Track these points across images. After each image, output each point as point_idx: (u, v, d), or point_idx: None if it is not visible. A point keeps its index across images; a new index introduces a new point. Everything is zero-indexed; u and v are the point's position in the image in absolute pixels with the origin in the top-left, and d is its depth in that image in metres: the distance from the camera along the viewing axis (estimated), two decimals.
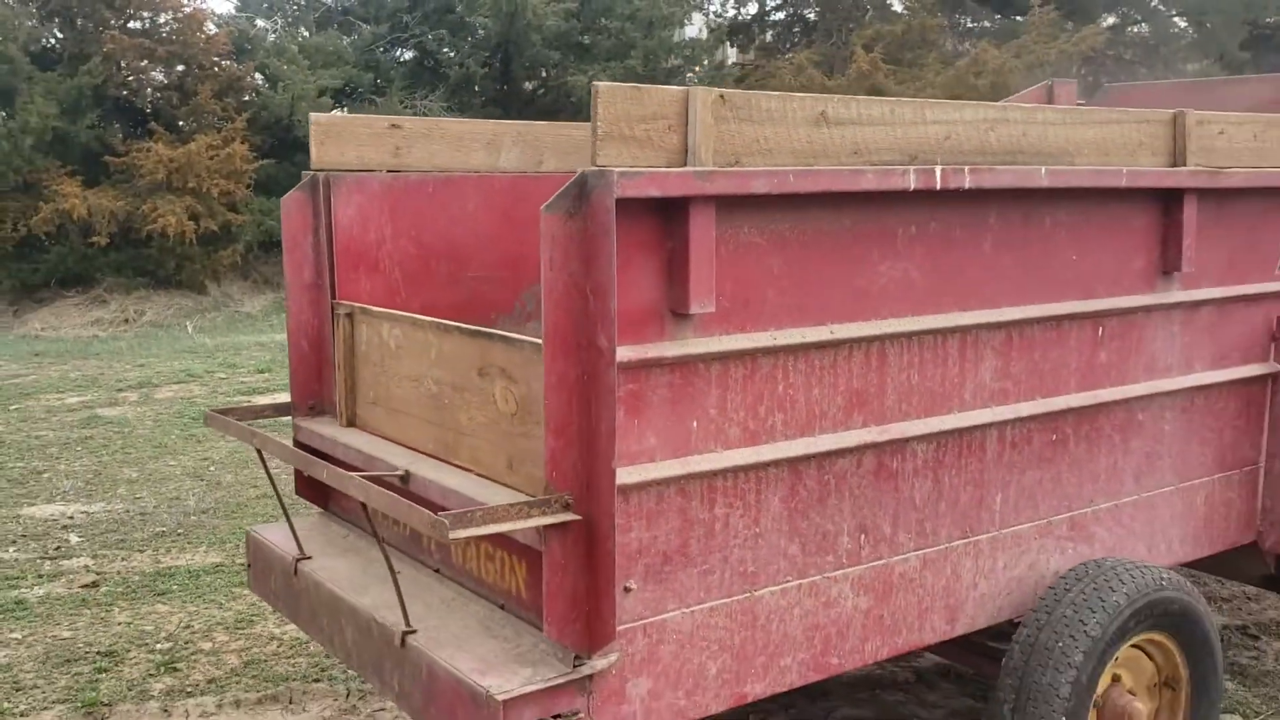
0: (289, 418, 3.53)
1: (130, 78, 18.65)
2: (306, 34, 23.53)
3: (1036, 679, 2.96)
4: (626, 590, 2.48)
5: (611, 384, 2.31)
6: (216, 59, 20.21)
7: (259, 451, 3.10)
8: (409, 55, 23.44)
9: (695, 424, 2.54)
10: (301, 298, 3.44)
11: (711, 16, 28.06)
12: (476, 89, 21.76)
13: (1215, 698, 3.32)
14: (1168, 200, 3.37)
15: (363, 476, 2.69)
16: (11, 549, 6.05)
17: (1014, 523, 3.20)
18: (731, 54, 28.79)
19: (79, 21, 18.75)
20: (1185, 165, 3.35)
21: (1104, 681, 3.16)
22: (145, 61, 18.83)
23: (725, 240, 2.51)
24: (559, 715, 2.42)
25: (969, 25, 27.04)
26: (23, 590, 5.41)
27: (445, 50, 22.48)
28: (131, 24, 19.60)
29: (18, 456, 7.95)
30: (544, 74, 22.25)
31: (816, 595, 2.82)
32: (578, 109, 20.86)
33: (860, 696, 4.15)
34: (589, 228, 2.30)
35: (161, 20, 19.75)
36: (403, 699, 2.72)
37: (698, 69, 22.80)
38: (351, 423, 3.36)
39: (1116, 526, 3.46)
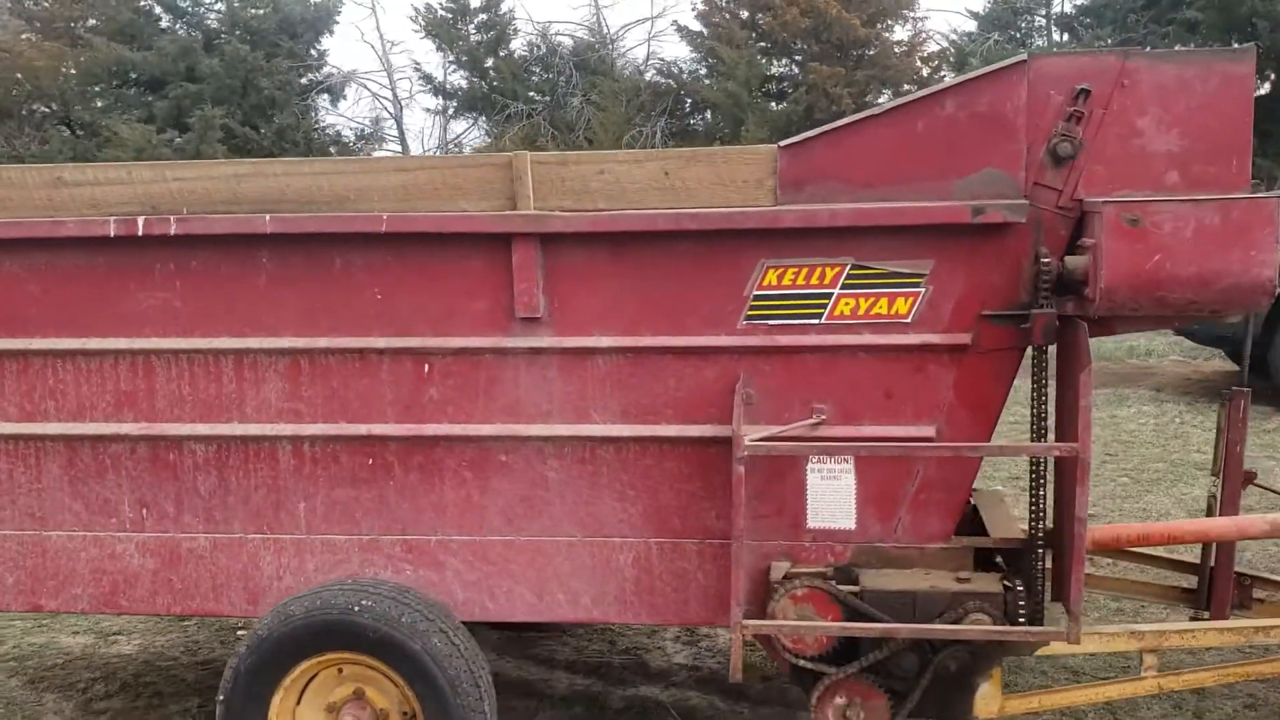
0: None
1: (831, 104, 20.77)
2: (1042, 43, 23.54)
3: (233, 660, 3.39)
4: None
5: None
6: (921, 76, 21.52)
7: None
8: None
9: None
10: None
11: None
12: None
13: None
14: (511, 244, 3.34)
15: None
16: None
17: (324, 531, 3.55)
18: None
19: (796, 57, 21.44)
20: (518, 209, 3.31)
21: (338, 690, 3.39)
22: (845, 88, 20.85)
23: None
24: None
25: None
26: None
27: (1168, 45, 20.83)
28: (854, 52, 21.78)
29: None
30: None
31: (101, 548, 3.65)
32: None
33: None
34: None
35: (872, 51, 21.63)
36: None
37: None
38: None
39: (481, 562, 3.50)
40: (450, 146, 26.50)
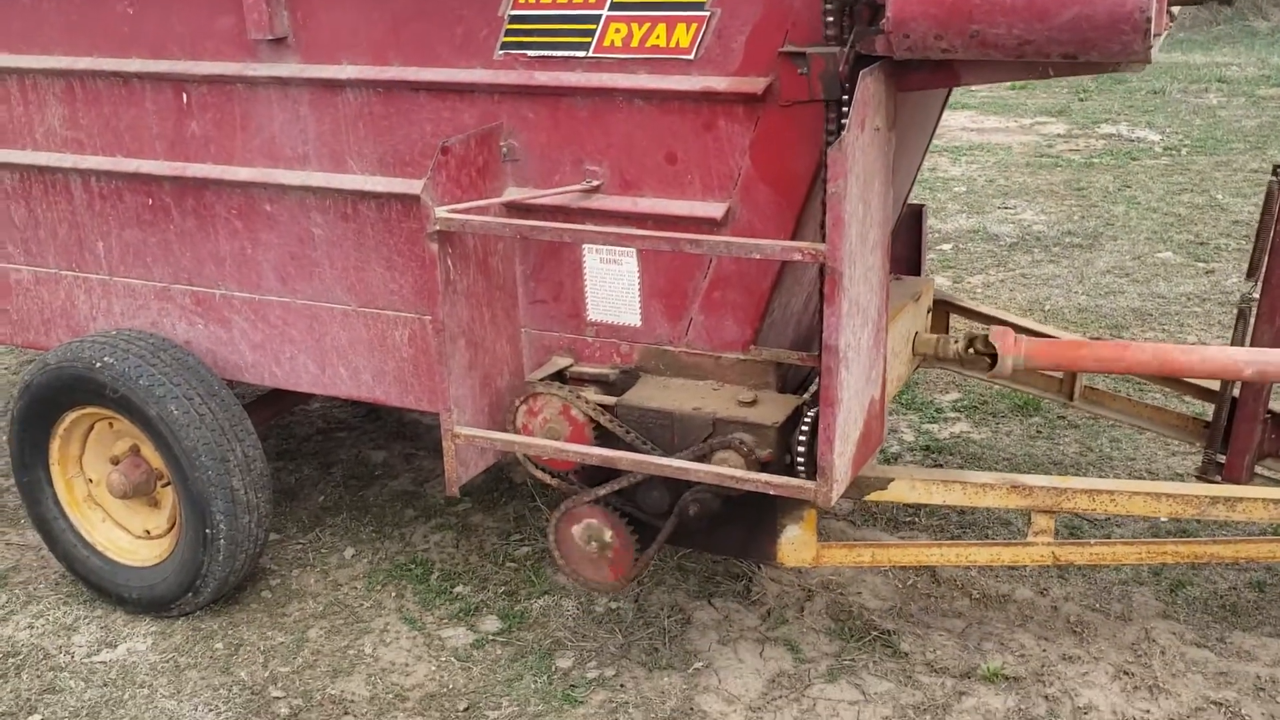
0: None
1: None
2: None
3: None
4: None
5: None
6: None
7: None
8: None
9: None
10: None
11: None
12: None
13: (204, 510, 2.96)
14: None
15: None
16: None
17: (124, 275, 3.25)
18: None
19: None
20: None
21: (117, 444, 3.20)
22: None
23: None
24: None
25: None
26: None
27: None
28: None
29: None
30: None
31: None
32: None
33: None
34: None
35: None
36: None
37: None
38: None
39: (263, 324, 3.10)
40: None
